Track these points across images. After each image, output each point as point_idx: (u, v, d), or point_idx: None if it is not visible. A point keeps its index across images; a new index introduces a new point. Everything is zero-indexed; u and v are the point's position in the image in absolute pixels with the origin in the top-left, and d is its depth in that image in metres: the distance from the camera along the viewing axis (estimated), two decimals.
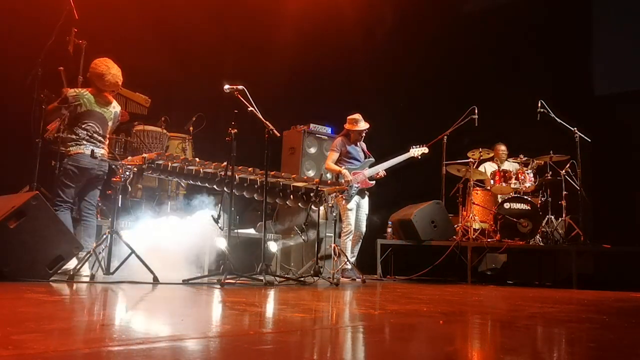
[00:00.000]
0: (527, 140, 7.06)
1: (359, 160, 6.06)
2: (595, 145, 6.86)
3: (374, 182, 6.05)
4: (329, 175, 6.67)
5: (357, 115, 6.11)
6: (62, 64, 5.17)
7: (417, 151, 6.22)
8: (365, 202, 6.08)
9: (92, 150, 4.49)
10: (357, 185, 5.94)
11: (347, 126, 6.11)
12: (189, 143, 6.50)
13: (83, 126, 4.62)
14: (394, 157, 6.17)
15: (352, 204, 5.95)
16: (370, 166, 6.07)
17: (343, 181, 5.89)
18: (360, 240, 6.08)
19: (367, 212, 6.10)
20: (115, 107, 4.88)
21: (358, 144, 6.14)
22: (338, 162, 6.03)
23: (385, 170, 6.06)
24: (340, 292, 4.25)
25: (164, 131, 6.25)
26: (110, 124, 4.83)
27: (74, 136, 4.59)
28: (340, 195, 5.87)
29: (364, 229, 6.06)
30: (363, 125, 6.08)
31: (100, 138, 4.72)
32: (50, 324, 1.99)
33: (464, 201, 6.93)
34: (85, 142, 4.61)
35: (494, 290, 5.34)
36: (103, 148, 4.74)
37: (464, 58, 8.13)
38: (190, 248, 5.27)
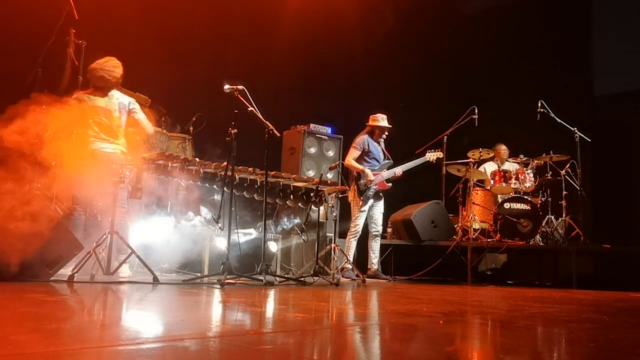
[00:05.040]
0: (527, 140, 7.06)
1: (378, 161, 6.08)
2: (595, 145, 6.85)
3: (390, 184, 6.08)
4: (329, 175, 6.67)
5: (380, 114, 6.15)
6: (62, 65, 5.17)
7: (432, 156, 6.28)
8: (381, 202, 6.12)
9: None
10: (374, 187, 5.96)
11: (370, 123, 6.13)
12: (189, 143, 6.50)
13: (90, 125, 4.61)
14: (410, 160, 6.20)
15: (365, 205, 5.98)
16: (388, 168, 6.09)
17: (363, 182, 5.91)
18: (379, 238, 6.13)
19: (382, 211, 6.15)
20: (118, 98, 4.79)
21: (380, 142, 6.16)
22: (357, 160, 6.03)
23: (402, 171, 6.10)
24: (340, 292, 4.25)
25: (164, 131, 6.25)
26: (117, 115, 4.75)
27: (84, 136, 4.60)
28: (358, 198, 5.91)
29: (380, 227, 6.15)
30: (387, 123, 6.11)
31: (112, 134, 4.70)
32: (50, 324, 1.99)
33: (464, 201, 6.93)
34: (92, 139, 4.61)
35: (494, 290, 5.34)
36: (114, 143, 4.69)
37: (464, 58, 8.13)
38: (189, 248, 5.27)
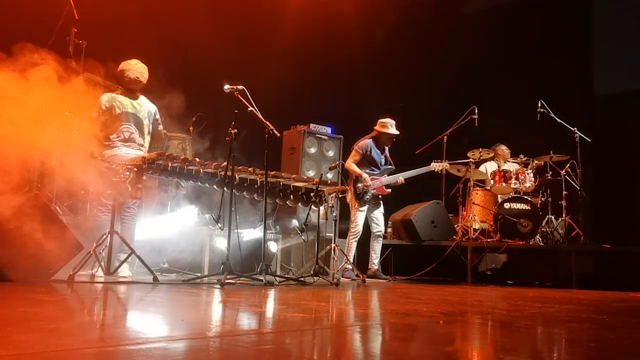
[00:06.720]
0: (527, 140, 7.06)
1: (378, 168, 6.07)
2: (595, 145, 6.85)
3: (390, 190, 6.06)
4: (329, 175, 6.67)
5: (389, 119, 6.08)
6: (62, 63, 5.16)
7: (437, 166, 6.27)
8: (380, 204, 6.12)
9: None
10: (372, 191, 5.95)
11: (377, 128, 6.07)
12: (189, 143, 6.49)
13: (119, 129, 4.63)
14: (413, 168, 6.18)
15: (363, 205, 5.98)
16: (389, 174, 6.07)
17: (361, 185, 5.90)
18: (381, 239, 6.13)
19: (383, 212, 6.14)
20: (147, 106, 4.86)
21: (385, 149, 6.12)
22: (358, 164, 6.01)
23: (404, 179, 6.07)
24: (340, 292, 4.25)
25: (164, 131, 6.25)
26: (146, 122, 4.82)
27: (107, 142, 4.61)
28: (355, 200, 5.91)
29: (383, 227, 6.15)
30: (395, 130, 6.06)
31: (138, 140, 4.73)
32: (50, 324, 1.99)
33: (464, 201, 6.92)
34: (119, 144, 4.62)
35: (494, 290, 5.34)
36: (141, 150, 4.73)
37: (465, 58, 8.13)
38: (189, 248, 5.27)
